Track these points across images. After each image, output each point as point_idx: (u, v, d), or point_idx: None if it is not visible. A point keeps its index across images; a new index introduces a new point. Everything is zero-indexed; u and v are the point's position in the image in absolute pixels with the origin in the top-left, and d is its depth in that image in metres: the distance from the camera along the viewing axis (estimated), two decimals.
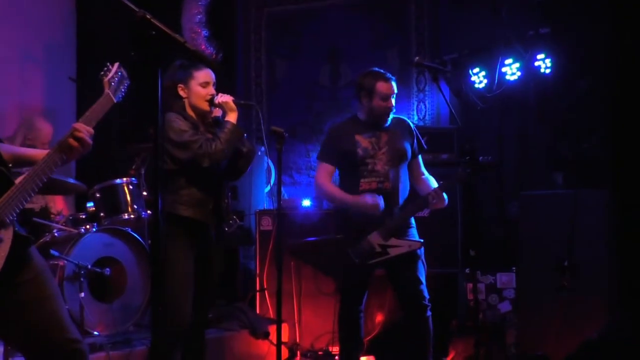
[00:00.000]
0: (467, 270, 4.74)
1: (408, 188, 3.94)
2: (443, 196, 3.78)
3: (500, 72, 5.19)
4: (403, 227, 3.83)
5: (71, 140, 2.37)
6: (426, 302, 3.80)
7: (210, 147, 3.27)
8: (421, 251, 3.85)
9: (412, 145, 3.95)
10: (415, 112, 5.82)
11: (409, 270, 3.80)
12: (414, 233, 3.88)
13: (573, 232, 4.21)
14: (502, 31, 5.20)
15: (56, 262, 3.95)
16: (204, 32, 5.86)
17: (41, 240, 4.20)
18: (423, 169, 4.03)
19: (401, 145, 3.89)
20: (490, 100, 5.29)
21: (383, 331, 4.85)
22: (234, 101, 3.41)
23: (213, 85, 3.48)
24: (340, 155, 3.90)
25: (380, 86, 3.80)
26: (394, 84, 3.84)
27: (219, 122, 3.45)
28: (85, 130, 2.41)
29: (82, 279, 3.90)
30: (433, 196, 3.76)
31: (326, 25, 6.12)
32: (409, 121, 4.07)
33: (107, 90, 2.54)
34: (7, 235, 2.20)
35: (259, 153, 5.70)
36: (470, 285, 4.65)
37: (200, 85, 3.43)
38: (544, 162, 5.13)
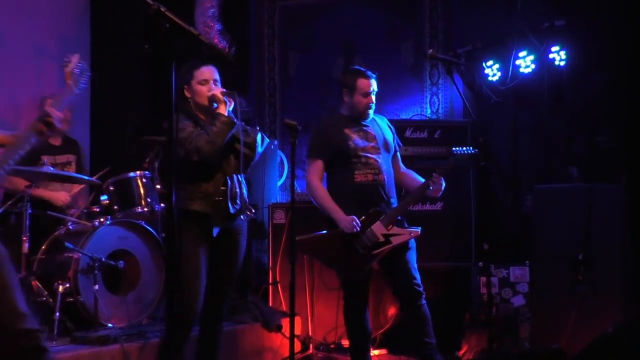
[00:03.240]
0: (481, 264, 4.73)
1: (394, 181, 4.05)
2: (442, 182, 3.85)
3: (514, 64, 5.16)
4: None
5: (41, 126, 2.49)
6: (420, 289, 3.87)
7: (199, 141, 3.30)
8: (412, 241, 3.93)
9: (393, 141, 4.10)
10: (428, 106, 5.80)
11: (401, 258, 3.88)
12: (404, 222, 3.97)
13: (588, 226, 4.18)
14: (516, 23, 5.16)
15: (71, 255, 3.98)
16: (217, 26, 5.86)
17: (56, 233, 4.23)
18: (402, 164, 4.17)
19: (387, 139, 4.04)
20: (504, 93, 5.26)
21: (395, 325, 4.84)
22: (221, 92, 3.42)
23: (215, 82, 3.48)
24: (332, 149, 3.96)
25: (361, 83, 3.97)
26: (373, 82, 4.00)
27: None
28: (55, 115, 2.52)
29: (96, 272, 3.92)
30: (434, 181, 3.85)
31: (340, 18, 6.10)
32: (385, 119, 4.22)
33: (68, 82, 2.64)
34: None
35: (272, 147, 5.71)
36: (483, 279, 4.63)
37: (200, 84, 3.45)
38: (559, 155, 5.10)
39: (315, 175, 3.99)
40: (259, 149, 3.57)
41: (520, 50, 5.12)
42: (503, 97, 5.27)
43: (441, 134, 5.04)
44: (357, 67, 4.12)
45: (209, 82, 3.46)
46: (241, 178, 3.54)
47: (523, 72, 5.14)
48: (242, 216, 3.53)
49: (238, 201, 3.47)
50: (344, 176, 3.94)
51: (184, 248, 3.23)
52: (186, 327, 3.32)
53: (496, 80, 5.28)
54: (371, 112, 4.04)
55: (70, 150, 4.88)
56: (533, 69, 5.10)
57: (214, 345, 3.57)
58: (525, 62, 5.11)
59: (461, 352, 4.55)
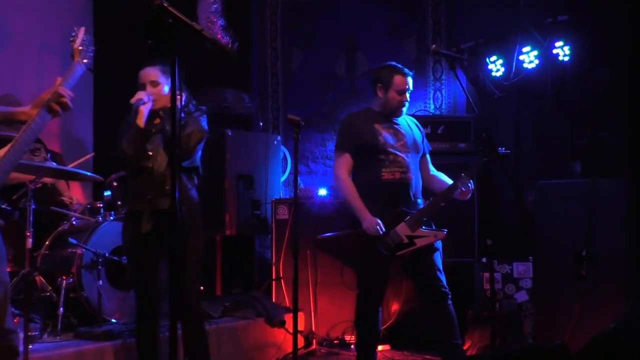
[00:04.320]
0: (484, 260, 4.72)
1: (421, 182, 3.96)
2: (470, 184, 3.78)
3: (517, 60, 5.15)
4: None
5: (55, 106, 2.49)
6: (446, 290, 3.80)
7: (122, 144, 3.42)
8: (439, 243, 3.85)
9: (422, 143, 4.02)
10: (431, 101, 5.79)
11: (427, 259, 3.80)
12: (432, 223, 3.88)
13: (591, 221, 4.18)
14: (519, 19, 5.14)
15: (74, 250, 3.99)
16: (220, 22, 5.86)
17: (59, 229, 4.24)
18: (432, 166, 4.07)
19: (416, 139, 3.96)
20: (507, 88, 5.25)
21: (398, 320, 4.85)
22: (137, 99, 3.40)
23: (152, 84, 3.45)
24: (360, 143, 3.87)
25: (398, 80, 3.87)
26: (410, 80, 3.90)
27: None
28: (68, 95, 2.51)
29: (99, 267, 3.93)
30: (462, 182, 3.75)
31: (342, 14, 6.10)
32: (415, 120, 4.13)
33: (77, 58, 2.63)
34: None
35: (275, 142, 5.71)
36: (486, 275, 4.63)
37: (139, 87, 3.47)
38: (562, 150, 5.08)
39: (343, 169, 3.87)
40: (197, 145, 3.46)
41: (524, 46, 5.11)
42: (506, 93, 5.26)
43: (444, 130, 5.03)
44: (393, 63, 3.97)
45: (145, 85, 3.46)
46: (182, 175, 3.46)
47: (526, 68, 5.13)
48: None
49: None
50: (370, 173, 3.83)
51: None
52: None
53: (499, 75, 5.27)
54: (404, 109, 3.95)
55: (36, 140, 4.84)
56: (537, 65, 5.09)
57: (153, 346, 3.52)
58: (529, 58, 5.09)
59: (464, 348, 4.55)
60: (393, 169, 3.81)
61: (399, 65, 3.94)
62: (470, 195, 3.82)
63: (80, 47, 2.65)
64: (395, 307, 4.86)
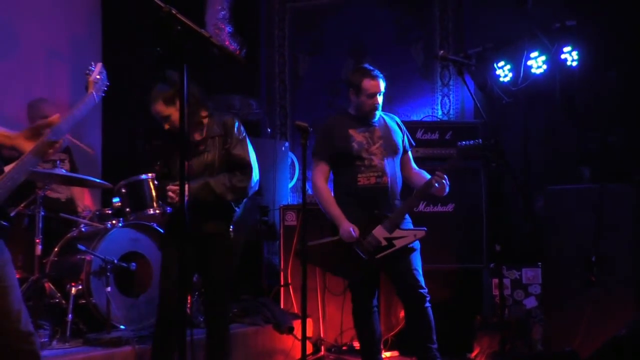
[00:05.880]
0: (492, 266, 4.70)
1: (401, 182, 3.98)
2: (445, 181, 3.78)
3: (525, 65, 5.14)
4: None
5: (50, 151, 2.51)
6: (424, 292, 3.79)
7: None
8: (417, 243, 3.85)
9: (402, 141, 4.02)
10: (439, 107, 5.79)
11: (404, 260, 3.80)
12: (409, 222, 3.90)
13: (600, 226, 4.15)
14: (527, 24, 5.14)
15: (83, 257, 3.99)
16: (228, 28, 5.88)
17: (68, 235, 4.25)
18: (413, 164, 4.08)
19: (394, 140, 3.95)
20: (515, 93, 5.24)
21: (407, 327, 4.82)
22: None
23: (163, 119, 3.46)
24: (335, 151, 3.90)
25: (366, 83, 3.87)
26: (380, 82, 3.89)
27: None
28: (62, 140, 2.55)
29: (108, 274, 3.93)
30: (436, 179, 3.76)
31: (349, 19, 6.10)
32: (397, 118, 4.13)
33: (90, 90, 2.63)
34: None
35: (283, 149, 5.71)
36: (495, 281, 4.61)
37: None
38: (571, 156, 5.07)
39: (320, 177, 3.92)
40: None
41: (532, 51, 5.10)
42: (514, 98, 5.25)
43: (452, 135, 5.01)
44: (365, 66, 3.98)
45: (162, 121, 3.45)
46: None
47: (535, 73, 5.12)
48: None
49: None
50: (347, 179, 3.87)
51: None
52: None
53: (507, 81, 5.26)
54: (378, 112, 3.95)
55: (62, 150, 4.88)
56: (545, 70, 5.08)
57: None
58: (537, 63, 5.09)
59: (473, 355, 4.53)
60: (368, 174, 3.84)
61: (370, 68, 3.92)
62: (446, 191, 3.83)
63: (96, 81, 2.68)
64: (403, 313, 4.84)
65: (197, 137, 3.47)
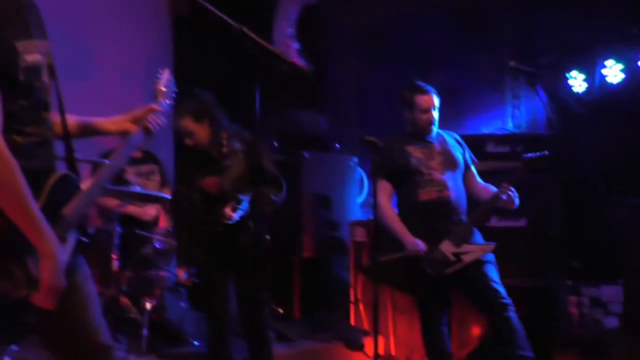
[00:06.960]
0: (569, 283, 4.55)
1: (465, 197, 3.89)
2: (512, 192, 3.69)
3: (600, 74, 4.98)
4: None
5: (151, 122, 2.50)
6: (506, 300, 3.65)
7: None
8: (490, 256, 3.74)
9: (463, 156, 3.95)
10: (510, 119, 5.67)
11: (477, 273, 3.69)
12: (479, 238, 3.80)
13: None
14: (601, 30, 4.98)
15: (158, 273, 4.07)
16: (295, 45, 5.93)
17: (143, 251, 4.34)
18: (479, 179, 3.99)
19: (454, 155, 3.90)
20: (590, 104, 5.09)
21: (482, 345, 4.71)
22: None
23: (187, 135, 3.54)
24: (394, 168, 3.85)
25: (419, 99, 3.85)
26: (434, 97, 3.86)
27: None
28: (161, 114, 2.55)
29: (182, 290, 4.00)
30: (502, 192, 3.67)
31: (416, 33, 6.05)
32: (455, 135, 4.07)
33: (159, 98, 2.66)
34: (72, 237, 2.28)
35: (351, 164, 5.70)
36: (573, 299, 4.45)
37: None
38: None
39: (383, 196, 3.86)
40: None
41: (607, 59, 4.94)
42: (588, 108, 5.10)
43: (524, 148, 4.89)
44: (417, 82, 3.96)
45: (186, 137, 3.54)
46: None
47: (611, 82, 4.95)
48: None
49: None
50: (408, 195, 3.83)
51: None
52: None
53: (581, 91, 5.11)
54: (434, 128, 3.90)
55: (152, 161, 4.98)
56: (622, 79, 4.91)
57: None
58: (613, 72, 4.92)
59: None
60: (429, 188, 3.78)
61: (421, 84, 3.90)
62: (516, 203, 3.72)
63: (164, 89, 2.73)
64: (476, 331, 4.73)
65: (220, 153, 3.54)
